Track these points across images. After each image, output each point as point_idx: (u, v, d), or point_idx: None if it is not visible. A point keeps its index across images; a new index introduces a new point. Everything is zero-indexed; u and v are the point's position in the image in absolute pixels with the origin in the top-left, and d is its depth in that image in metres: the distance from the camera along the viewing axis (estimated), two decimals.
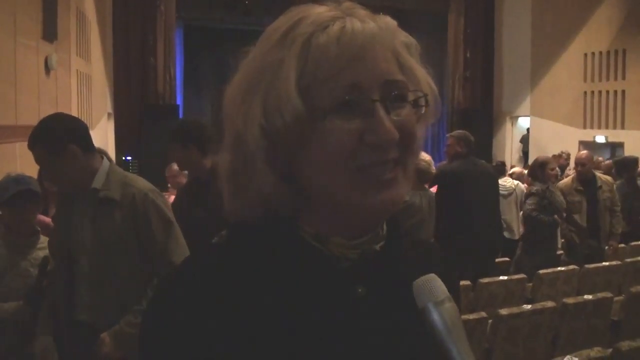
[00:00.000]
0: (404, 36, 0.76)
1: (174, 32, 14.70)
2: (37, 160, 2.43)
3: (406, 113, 0.70)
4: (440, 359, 0.64)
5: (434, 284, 0.67)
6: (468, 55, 16.80)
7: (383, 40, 0.70)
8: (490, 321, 3.47)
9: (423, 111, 0.73)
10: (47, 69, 7.64)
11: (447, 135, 5.65)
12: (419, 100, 0.73)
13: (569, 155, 11.51)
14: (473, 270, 4.81)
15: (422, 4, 16.90)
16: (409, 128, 0.70)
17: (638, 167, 7.44)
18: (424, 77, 0.75)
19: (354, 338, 0.71)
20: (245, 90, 0.71)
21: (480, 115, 16.48)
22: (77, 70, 9.75)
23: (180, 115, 15.43)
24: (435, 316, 0.65)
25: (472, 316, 3.40)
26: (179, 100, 15.83)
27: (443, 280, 0.69)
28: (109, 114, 13.45)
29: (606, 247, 5.94)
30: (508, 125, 16.74)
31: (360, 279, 0.73)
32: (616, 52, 14.29)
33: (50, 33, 7.70)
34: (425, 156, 4.61)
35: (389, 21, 0.74)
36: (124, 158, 13.56)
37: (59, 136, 2.40)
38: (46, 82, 7.69)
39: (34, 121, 2.60)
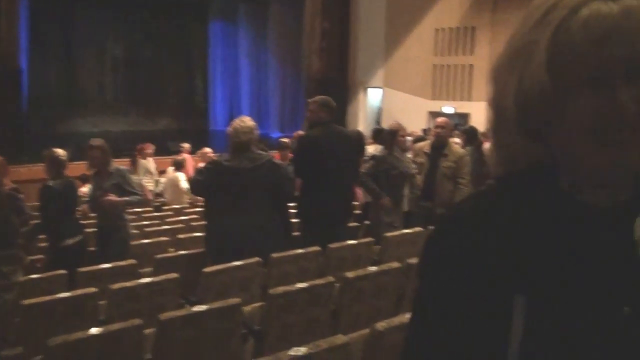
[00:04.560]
0: None
1: None
2: None
3: None
4: None
5: None
6: (324, 25, 17.00)
7: (630, 20, 0.77)
8: (337, 285, 3.53)
9: None
10: None
11: (309, 100, 5.58)
12: None
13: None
14: (326, 236, 4.88)
15: None
16: None
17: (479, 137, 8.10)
18: None
19: (597, 276, 0.81)
20: (506, 64, 0.85)
21: (336, 85, 16.81)
22: None
23: (25, 80, 14.44)
24: None
25: (320, 281, 3.44)
26: (24, 65, 14.68)
27: None
28: None
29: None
30: (362, 95, 17.21)
31: (614, 225, 0.82)
32: (465, 28, 15.07)
33: None
34: (245, 121, 4.61)
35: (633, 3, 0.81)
36: None
37: None
38: None
39: None
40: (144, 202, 7.42)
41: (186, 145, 11.60)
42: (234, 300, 3.05)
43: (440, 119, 6.57)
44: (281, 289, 3.21)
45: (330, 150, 5.08)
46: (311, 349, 2.22)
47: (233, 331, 3.00)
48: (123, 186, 5.64)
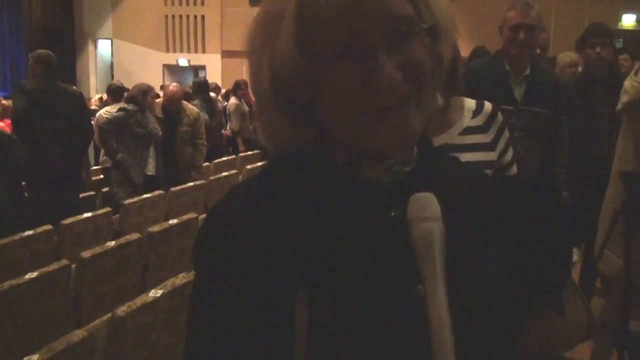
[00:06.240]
0: None
1: None
2: None
3: (413, 48, 0.72)
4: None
5: (426, 202, 0.72)
6: None
7: None
8: (74, 266, 3.29)
9: (436, 39, 0.75)
10: None
11: (30, 55, 5.25)
12: (429, 30, 0.74)
13: None
14: (57, 207, 4.54)
15: None
16: (416, 63, 0.72)
17: (209, 88, 8.38)
18: (437, 4, 0.76)
19: (385, 257, 0.73)
20: (259, 36, 0.75)
21: (61, 36, 15.48)
22: None
23: None
24: (415, 230, 0.70)
25: (53, 266, 3.15)
26: None
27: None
28: None
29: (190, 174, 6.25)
30: (91, 47, 16.11)
31: (393, 201, 0.75)
32: None
33: None
34: None
35: None
36: None
37: None
38: None
39: None
40: None
41: None
42: None
43: (171, 87, 6.43)
44: (7, 283, 2.89)
45: (47, 110, 4.82)
46: (44, 355, 2.03)
47: None
48: None
